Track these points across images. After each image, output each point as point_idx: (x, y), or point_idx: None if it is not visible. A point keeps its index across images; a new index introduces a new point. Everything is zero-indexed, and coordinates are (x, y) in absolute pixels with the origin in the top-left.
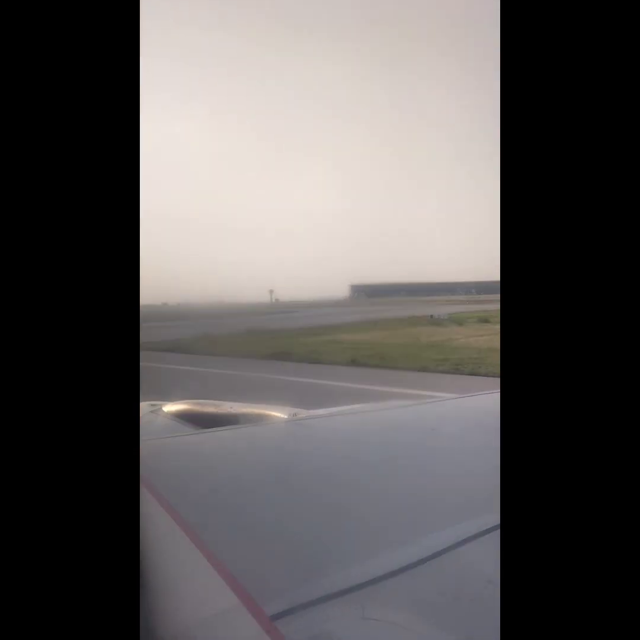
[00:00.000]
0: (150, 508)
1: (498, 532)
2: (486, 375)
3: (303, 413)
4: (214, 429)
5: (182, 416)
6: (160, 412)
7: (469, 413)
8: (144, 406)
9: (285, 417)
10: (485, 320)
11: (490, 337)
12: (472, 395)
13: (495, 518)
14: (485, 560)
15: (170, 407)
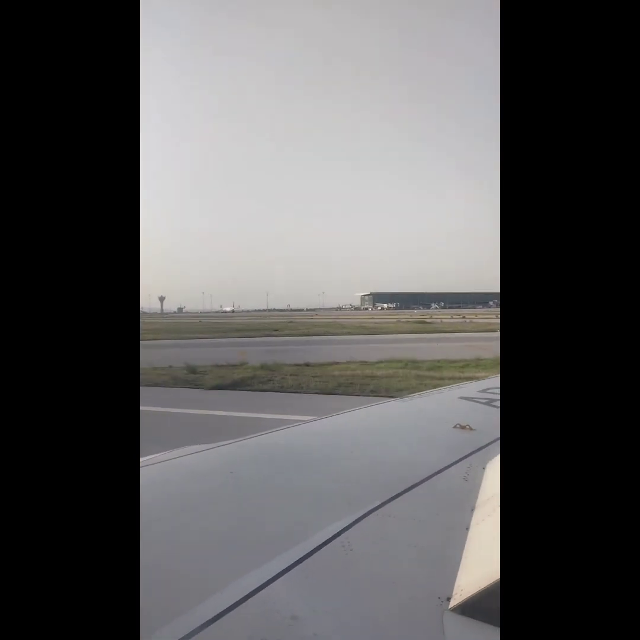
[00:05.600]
0: None
1: (300, 566)
2: None
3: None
4: None
5: None
6: None
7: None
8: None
9: None
10: None
11: None
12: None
13: (297, 553)
14: (290, 597)
15: None
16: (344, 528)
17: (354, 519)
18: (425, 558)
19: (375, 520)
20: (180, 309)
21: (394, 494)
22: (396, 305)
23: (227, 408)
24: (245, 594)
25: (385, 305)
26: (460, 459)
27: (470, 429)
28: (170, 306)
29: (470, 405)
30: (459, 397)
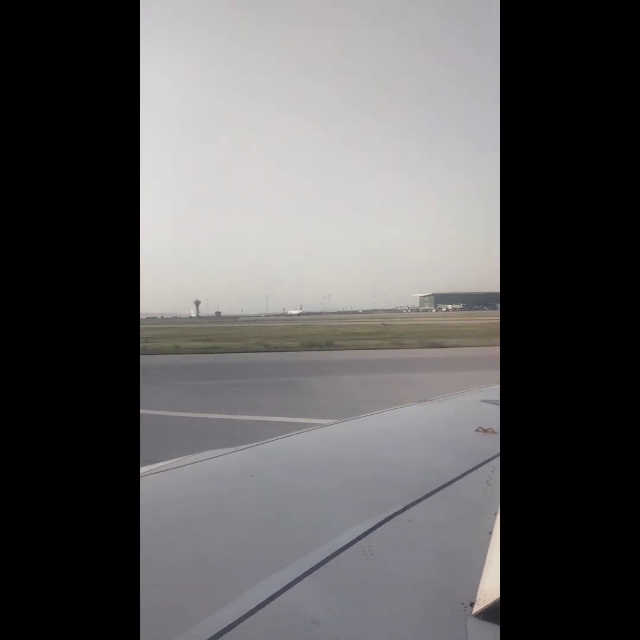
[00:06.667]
0: None
1: (320, 570)
2: None
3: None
4: None
5: None
6: None
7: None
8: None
9: None
10: None
11: None
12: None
13: (320, 554)
14: (310, 601)
15: None
16: (364, 532)
17: (374, 523)
18: (447, 563)
19: (396, 525)
20: (218, 314)
21: (415, 499)
22: (462, 305)
23: None
24: (266, 597)
25: (449, 307)
26: (483, 463)
27: (493, 432)
28: (207, 311)
29: (492, 408)
30: (480, 400)
